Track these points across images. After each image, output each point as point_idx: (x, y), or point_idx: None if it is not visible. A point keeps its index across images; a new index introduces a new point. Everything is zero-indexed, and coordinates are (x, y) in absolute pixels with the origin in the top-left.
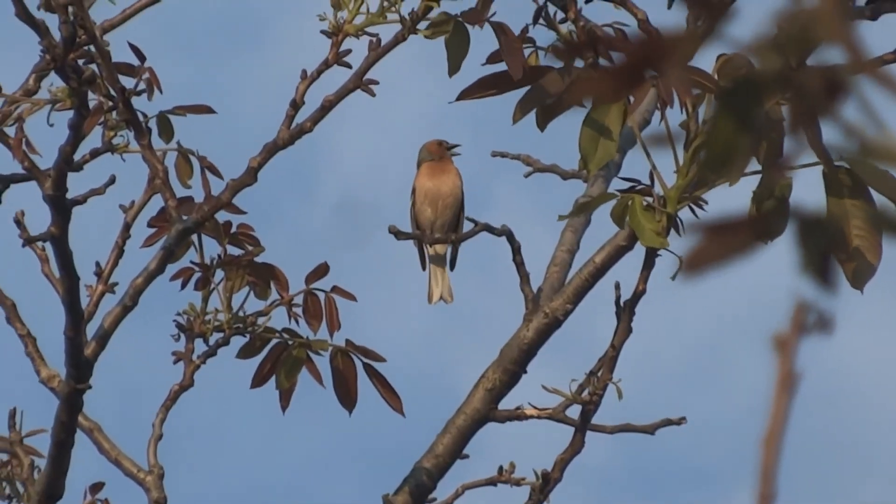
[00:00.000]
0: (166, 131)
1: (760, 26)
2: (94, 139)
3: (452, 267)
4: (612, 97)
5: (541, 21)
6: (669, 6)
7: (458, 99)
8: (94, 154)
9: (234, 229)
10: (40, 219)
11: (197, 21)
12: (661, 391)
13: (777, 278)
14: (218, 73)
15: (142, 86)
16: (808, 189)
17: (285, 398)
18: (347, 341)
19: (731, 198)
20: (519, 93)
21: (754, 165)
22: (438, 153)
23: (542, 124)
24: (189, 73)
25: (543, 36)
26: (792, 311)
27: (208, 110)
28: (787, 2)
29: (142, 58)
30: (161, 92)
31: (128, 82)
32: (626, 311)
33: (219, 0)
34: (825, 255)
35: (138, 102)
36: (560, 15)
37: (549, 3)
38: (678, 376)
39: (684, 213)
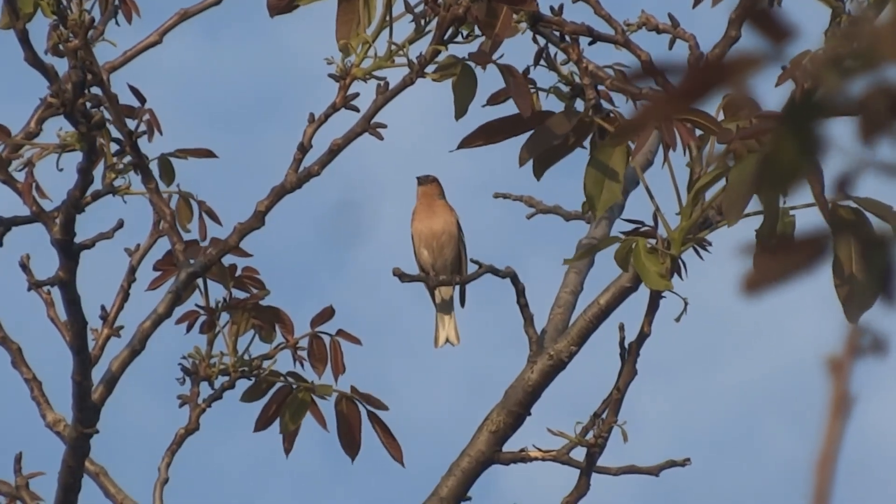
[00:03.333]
0: (168, 174)
1: (823, 46)
2: (94, 181)
3: (463, 304)
4: (672, 117)
5: (542, 63)
6: (670, 47)
7: (459, 147)
8: (96, 196)
9: (238, 272)
10: (43, 262)
11: (238, 94)
12: (691, 459)
13: (809, 346)
14: (255, 144)
15: (142, 127)
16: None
17: (289, 441)
18: (352, 388)
19: (734, 238)
20: (522, 137)
21: (756, 205)
22: (426, 192)
23: (538, 173)
24: (228, 143)
25: (545, 77)
26: (847, 333)
27: (209, 154)
28: (851, 22)
29: (142, 99)
30: (161, 133)
31: (129, 124)
32: (631, 353)
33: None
34: (888, 272)
35: (141, 145)
36: (561, 56)
37: (549, 45)
38: (707, 445)
39: (688, 255)
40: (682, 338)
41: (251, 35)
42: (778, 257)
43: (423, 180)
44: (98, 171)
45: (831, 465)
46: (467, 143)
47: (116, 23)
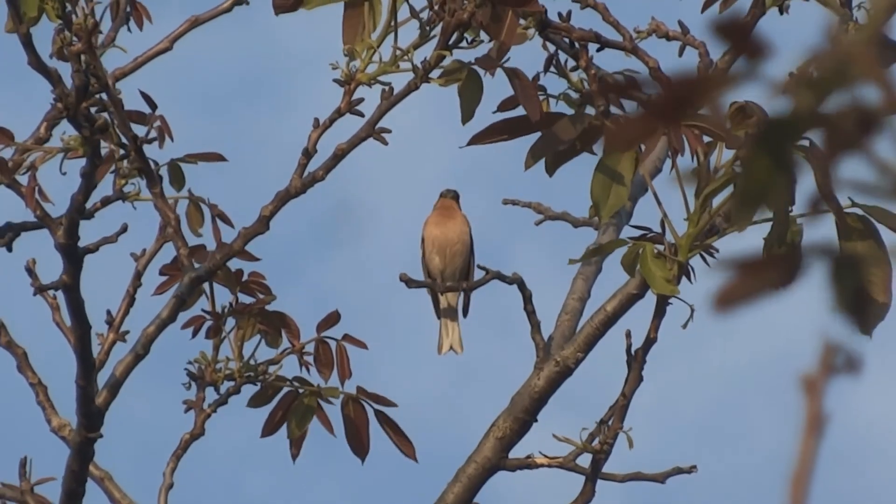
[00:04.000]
0: (178, 179)
1: (796, 65)
2: (104, 187)
3: (466, 314)
4: (646, 138)
5: (552, 69)
6: (680, 54)
7: (469, 144)
8: (106, 202)
9: (245, 277)
10: (50, 266)
11: (219, 79)
12: (678, 446)
13: (793, 334)
14: (237, 129)
15: (153, 134)
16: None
17: (296, 447)
18: (359, 388)
19: (742, 245)
20: (529, 139)
21: (765, 213)
22: (445, 204)
23: (550, 170)
24: (209, 129)
25: (554, 84)
26: (820, 351)
27: (220, 158)
28: (823, 41)
29: (153, 105)
30: (172, 140)
31: (139, 130)
32: (637, 360)
33: (242, 59)
34: (858, 293)
35: (150, 150)
36: (571, 63)
37: (559, 52)
38: (694, 431)
39: (695, 262)
40: (666, 322)
41: (233, 20)
42: (750, 275)
43: (446, 194)
44: (108, 177)
45: (806, 483)
46: (477, 140)
47: (128, 29)
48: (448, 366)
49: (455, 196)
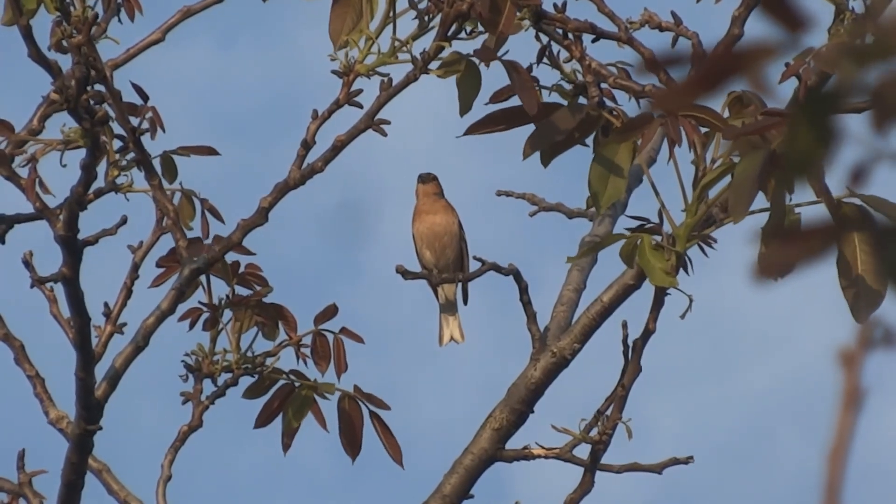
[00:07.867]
0: (170, 171)
1: (838, 36)
2: (97, 177)
3: (466, 301)
4: (685, 107)
5: (544, 60)
6: (673, 45)
7: (465, 133)
8: (99, 193)
9: (242, 269)
10: (45, 258)
11: (252, 104)
12: (704, 468)
13: (820, 353)
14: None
15: (145, 125)
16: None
17: (288, 438)
18: (355, 387)
19: (740, 235)
20: (526, 130)
21: (762, 202)
22: (426, 191)
23: (546, 161)
24: (242, 153)
25: (547, 75)
26: (858, 326)
27: (212, 151)
28: (865, 12)
29: (144, 97)
30: (164, 131)
31: (132, 121)
32: (636, 350)
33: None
34: None
35: (143, 143)
36: (564, 54)
37: (552, 42)
38: (721, 454)
39: (693, 252)
40: (692, 345)
41: (266, 42)
42: (790, 244)
43: (425, 178)
44: (101, 168)
45: (843, 458)
46: (474, 130)
47: (119, 20)
48: (443, 355)
49: (433, 179)
